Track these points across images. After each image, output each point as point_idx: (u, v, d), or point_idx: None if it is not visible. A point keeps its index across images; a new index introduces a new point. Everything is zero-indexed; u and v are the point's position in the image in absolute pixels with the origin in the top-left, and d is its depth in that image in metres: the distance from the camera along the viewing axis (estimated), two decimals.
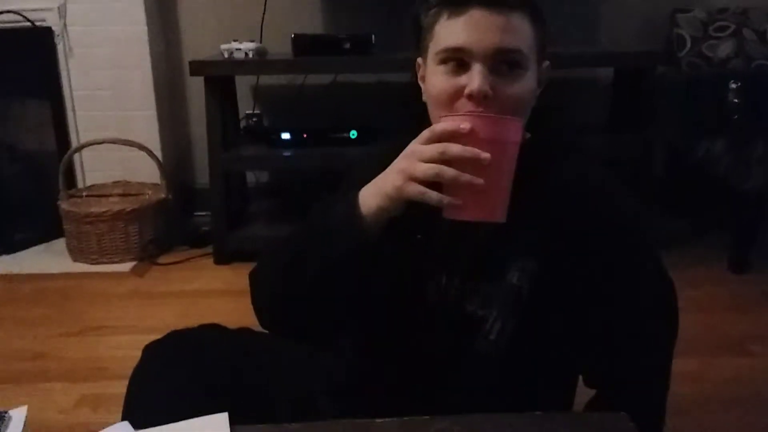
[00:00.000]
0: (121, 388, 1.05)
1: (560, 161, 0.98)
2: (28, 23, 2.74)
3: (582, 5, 2.92)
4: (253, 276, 1.01)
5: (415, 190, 0.83)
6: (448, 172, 0.81)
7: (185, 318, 2.22)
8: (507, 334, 0.95)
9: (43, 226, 2.90)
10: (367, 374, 1.06)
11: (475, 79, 0.87)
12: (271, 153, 2.73)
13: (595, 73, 3.05)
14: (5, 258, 2.78)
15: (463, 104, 0.88)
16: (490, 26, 0.87)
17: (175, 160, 3.08)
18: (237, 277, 2.55)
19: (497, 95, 0.87)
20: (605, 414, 0.86)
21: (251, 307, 1.00)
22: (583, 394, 1.04)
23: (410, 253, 0.98)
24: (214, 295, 2.47)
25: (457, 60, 0.89)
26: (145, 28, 2.82)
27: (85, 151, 2.91)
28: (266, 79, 3.02)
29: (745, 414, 1.72)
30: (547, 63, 0.96)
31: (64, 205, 2.73)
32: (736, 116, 2.46)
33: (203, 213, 2.99)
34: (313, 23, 2.95)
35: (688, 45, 2.81)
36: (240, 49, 2.59)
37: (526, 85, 0.90)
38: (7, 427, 0.80)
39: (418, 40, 0.98)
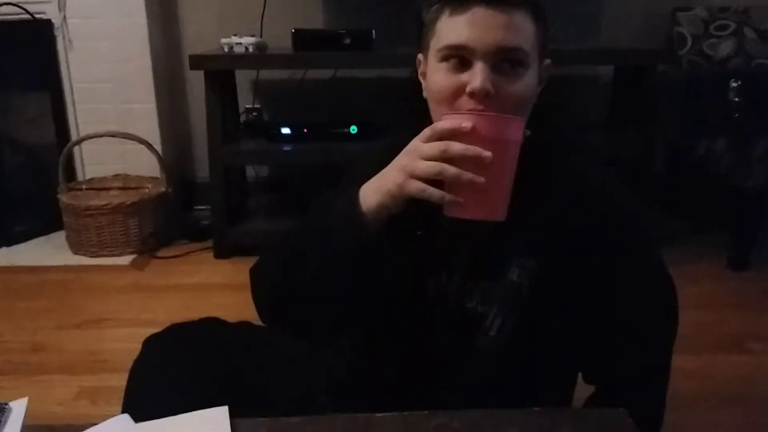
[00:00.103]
0: (120, 380, 1.05)
1: (561, 160, 0.98)
2: (28, 15, 2.74)
3: (583, 3, 2.91)
4: (253, 272, 1.01)
5: (417, 187, 0.83)
6: (450, 170, 0.81)
7: (185, 311, 2.22)
8: (507, 330, 0.95)
9: (43, 219, 2.90)
10: (366, 372, 1.06)
11: (476, 77, 0.87)
12: (270, 147, 2.73)
13: (595, 71, 3.05)
14: (5, 250, 2.78)
15: (465, 102, 0.88)
16: (492, 24, 0.87)
17: (175, 154, 3.07)
18: (237, 271, 2.55)
19: (499, 93, 0.87)
20: (604, 410, 0.86)
21: (251, 301, 1.00)
22: (583, 390, 1.04)
23: (411, 251, 0.98)
24: (213, 288, 2.47)
25: (459, 57, 0.89)
26: (146, 21, 2.82)
27: (84, 144, 2.91)
28: (266, 74, 3.02)
29: (744, 411, 1.72)
30: (548, 61, 0.96)
31: (64, 198, 2.73)
32: (736, 115, 2.47)
33: (203, 207, 2.99)
34: (313, 18, 2.95)
35: (689, 43, 2.81)
36: (240, 44, 2.58)
37: (527, 83, 0.90)
38: (7, 419, 0.80)
39: (419, 36, 0.98)
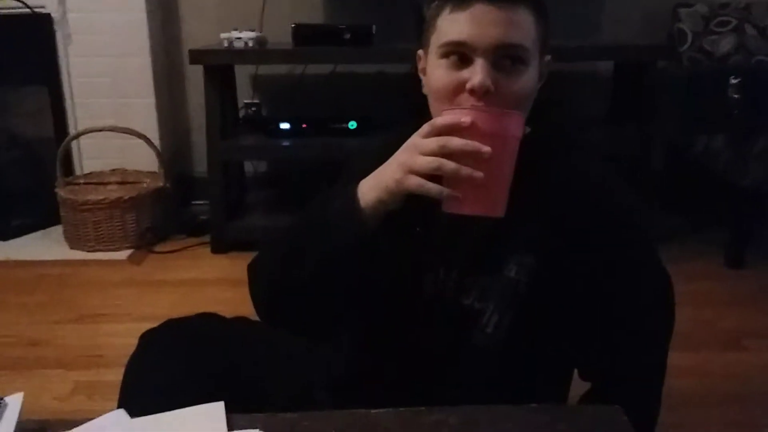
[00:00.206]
0: (117, 375, 1.05)
1: (560, 157, 0.97)
2: (28, 9, 2.72)
3: None
4: (251, 268, 1.01)
5: (415, 182, 0.83)
6: (449, 165, 0.81)
7: (182, 306, 2.22)
8: (504, 327, 0.95)
9: (41, 213, 2.89)
10: (364, 368, 1.06)
11: (477, 74, 0.86)
12: (269, 143, 2.73)
13: (595, 67, 3.05)
14: (2, 244, 2.77)
15: (465, 99, 0.88)
16: (493, 21, 0.87)
17: (173, 149, 3.07)
18: (234, 266, 2.55)
19: (499, 90, 0.87)
20: (600, 407, 0.86)
21: (248, 296, 1.00)
22: (578, 387, 1.04)
23: (408, 247, 0.98)
24: (210, 284, 2.47)
25: (459, 54, 0.88)
26: (145, 15, 2.81)
27: (83, 139, 2.90)
28: (266, 69, 3.01)
29: (739, 409, 1.72)
30: (548, 57, 0.96)
31: (61, 193, 2.72)
32: (736, 112, 2.46)
33: (201, 202, 2.99)
34: (313, 13, 2.94)
35: (689, 40, 2.81)
36: (240, 38, 2.58)
37: (528, 80, 0.90)
38: (2, 413, 0.80)
39: (419, 31, 0.98)
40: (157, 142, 2.86)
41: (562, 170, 0.96)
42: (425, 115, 0.93)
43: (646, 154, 2.63)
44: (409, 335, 1.00)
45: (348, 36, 2.58)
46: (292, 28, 2.61)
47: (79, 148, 2.97)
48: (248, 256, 1.02)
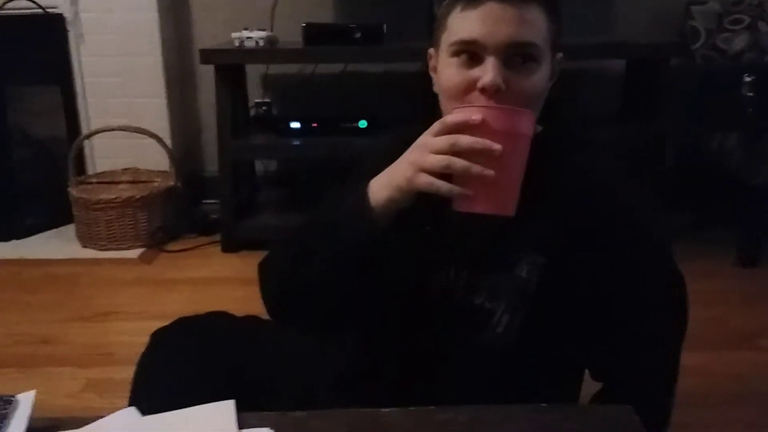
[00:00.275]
0: (128, 373, 1.05)
1: (571, 155, 0.97)
2: (40, 10, 2.74)
3: None
4: (262, 267, 1.01)
5: (426, 181, 0.82)
6: (459, 162, 0.80)
7: (192, 305, 2.21)
8: (515, 327, 0.94)
9: (53, 212, 2.91)
10: (371, 367, 1.06)
11: (488, 72, 0.86)
12: (280, 142, 2.73)
13: (607, 65, 3.03)
14: (15, 243, 2.79)
15: (476, 97, 0.87)
16: (504, 19, 0.86)
17: (184, 148, 3.08)
18: (245, 265, 2.55)
19: (510, 89, 0.86)
20: (610, 407, 0.85)
21: (258, 295, 1.00)
22: (589, 387, 1.03)
23: (419, 246, 0.98)
24: (221, 282, 2.48)
25: (470, 53, 0.88)
26: (156, 15, 2.82)
27: (95, 138, 2.91)
28: (276, 68, 3.02)
29: (752, 409, 1.71)
30: (560, 55, 0.95)
31: (73, 191, 2.74)
32: (749, 110, 2.44)
33: (212, 201, 2.99)
34: (324, 12, 2.94)
35: (703, 37, 2.79)
36: (251, 38, 2.58)
37: (539, 78, 0.90)
38: (14, 411, 0.80)
39: (430, 30, 0.97)
40: (168, 141, 2.87)
41: (573, 169, 0.95)
42: (436, 114, 0.92)
43: (658, 153, 2.62)
44: (418, 334, 0.99)
45: (358, 35, 2.58)
46: (303, 27, 2.61)
47: (91, 148, 2.99)
48: (259, 255, 1.02)
